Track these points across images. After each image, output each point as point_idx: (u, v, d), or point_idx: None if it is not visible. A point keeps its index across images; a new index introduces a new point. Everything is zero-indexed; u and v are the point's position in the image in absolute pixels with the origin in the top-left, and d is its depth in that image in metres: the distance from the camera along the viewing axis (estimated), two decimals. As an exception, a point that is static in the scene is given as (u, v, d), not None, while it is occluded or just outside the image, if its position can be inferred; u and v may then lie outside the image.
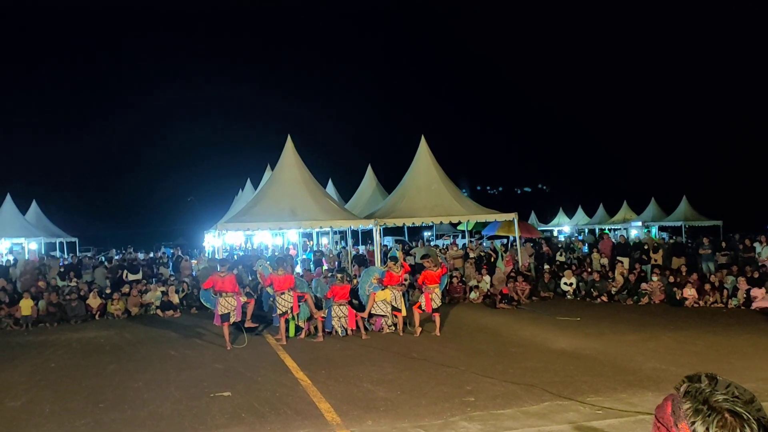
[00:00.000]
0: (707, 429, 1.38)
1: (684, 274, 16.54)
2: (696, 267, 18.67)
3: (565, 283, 17.59)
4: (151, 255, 24.71)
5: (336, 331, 11.95)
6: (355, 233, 26.04)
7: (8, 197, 26.20)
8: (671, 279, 16.02)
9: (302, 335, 12.07)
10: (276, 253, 21.01)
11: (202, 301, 12.33)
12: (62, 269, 19.61)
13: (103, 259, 24.38)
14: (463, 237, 28.66)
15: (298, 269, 18.86)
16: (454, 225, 29.98)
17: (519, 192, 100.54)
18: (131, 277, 18.82)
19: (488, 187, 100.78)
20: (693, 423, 1.40)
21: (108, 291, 17.02)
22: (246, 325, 11.67)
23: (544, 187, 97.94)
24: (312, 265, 19.89)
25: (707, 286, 15.41)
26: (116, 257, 24.13)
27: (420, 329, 11.97)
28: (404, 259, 17.87)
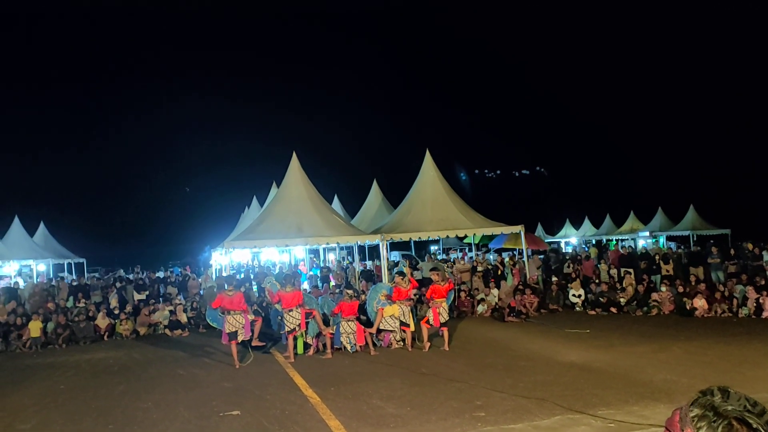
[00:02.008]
0: None
1: (693, 283, 16.45)
2: (705, 277, 18.58)
3: (574, 295, 17.53)
4: (158, 275, 24.74)
5: (345, 348, 11.91)
6: (361, 248, 26.08)
7: (16, 219, 26.38)
8: (681, 289, 15.93)
9: (311, 352, 12.04)
10: (284, 270, 21.02)
11: (209, 321, 12.32)
12: (76, 287, 19.68)
13: (112, 279, 24.43)
14: (470, 250, 28.62)
15: (305, 285, 18.87)
16: (461, 238, 29.98)
17: (517, 175, 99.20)
18: (137, 296, 18.90)
19: (486, 170, 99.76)
20: (699, 429, 1.40)
21: (116, 312, 17.03)
22: (253, 344, 11.65)
23: (543, 170, 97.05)
24: (319, 282, 19.88)
25: (717, 296, 15.31)
26: (128, 276, 24.21)
27: (429, 344, 11.92)
28: (411, 274, 17.84)
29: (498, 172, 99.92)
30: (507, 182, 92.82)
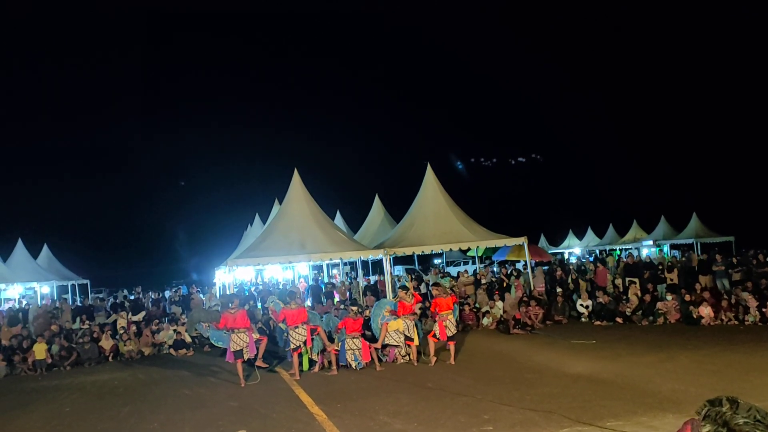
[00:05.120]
0: None
1: (699, 291, 16.38)
2: (710, 284, 18.52)
3: (581, 305, 17.49)
4: (155, 294, 24.73)
5: (350, 364, 11.86)
6: (365, 264, 26.02)
7: (19, 242, 26.41)
8: (687, 297, 15.86)
9: (316, 369, 12.00)
10: (288, 287, 20.98)
11: (213, 341, 12.26)
12: (79, 309, 19.70)
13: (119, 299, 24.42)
14: (474, 263, 28.58)
15: (308, 302, 18.84)
16: (464, 251, 29.94)
17: (513, 163, 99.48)
18: (133, 318, 18.88)
19: (482, 159, 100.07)
20: None
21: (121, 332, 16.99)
22: (256, 364, 11.59)
23: (538, 157, 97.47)
24: (323, 298, 19.85)
25: (723, 303, 15.23)
26: (130, 297, 24.19)
27: (434, 358, 11.88)
28: (418, 287, 17.80)
29: (494, 160, 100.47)
30: (503, 170, 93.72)
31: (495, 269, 25.56)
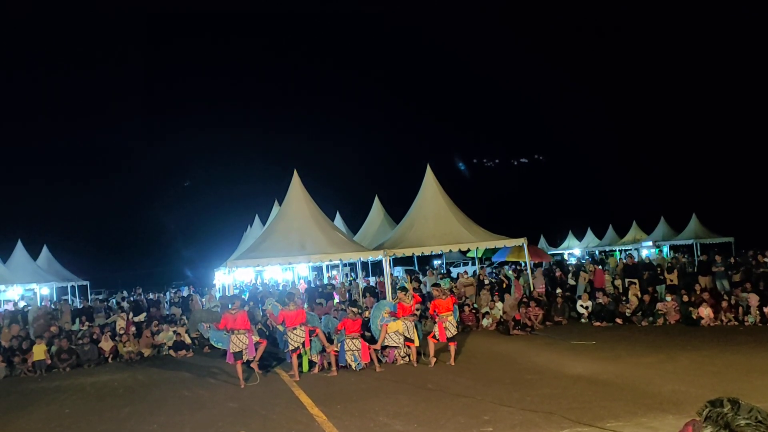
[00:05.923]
0: None
1: (698, 292, 16.38)
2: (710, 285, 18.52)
3: (581, 306, 17.49)
4: (159, 295, 24.75)
5: (350, 365, 11.86)
6: (365, 265, 26.03)
7: (19, 243, 26.40)
8: (686, 298, 15.86)
9: (316, 370, 12.00)
10: (288, 289, 20.96)
11: (213, 342, 12.26)
12: (79, 310, 19.69)
13: (114, 302, 24.43)
14: (473, 264, 28.58)
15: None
16: (464, 252, 29.92)
17: (516, 164, 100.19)
18: (135, 319, 18.88)
19: (485, 160, 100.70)
20: None
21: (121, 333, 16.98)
22: (252, 366, 11.56)
23: (541, 158, 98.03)
24: (324, 300, 19.83)
25: (723, 304, 15.22)
26: (130, 299, 24.20)
27: (434, 359, 11.87)
28: (418, 288, 17.76)
29: (497, 161, 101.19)
30: (504, 171, 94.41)
31: (494, 270, 25.55)
